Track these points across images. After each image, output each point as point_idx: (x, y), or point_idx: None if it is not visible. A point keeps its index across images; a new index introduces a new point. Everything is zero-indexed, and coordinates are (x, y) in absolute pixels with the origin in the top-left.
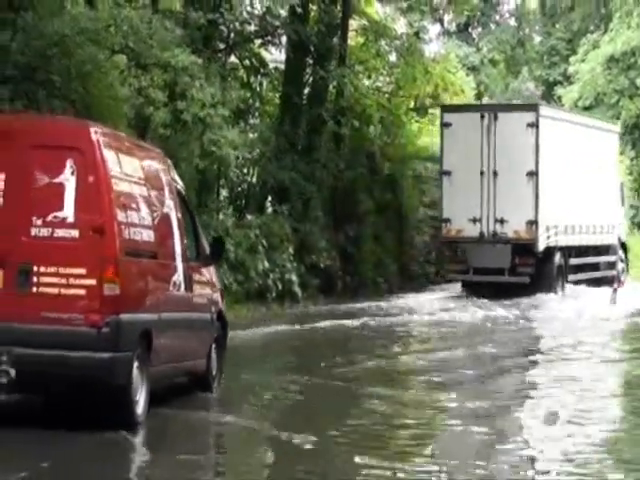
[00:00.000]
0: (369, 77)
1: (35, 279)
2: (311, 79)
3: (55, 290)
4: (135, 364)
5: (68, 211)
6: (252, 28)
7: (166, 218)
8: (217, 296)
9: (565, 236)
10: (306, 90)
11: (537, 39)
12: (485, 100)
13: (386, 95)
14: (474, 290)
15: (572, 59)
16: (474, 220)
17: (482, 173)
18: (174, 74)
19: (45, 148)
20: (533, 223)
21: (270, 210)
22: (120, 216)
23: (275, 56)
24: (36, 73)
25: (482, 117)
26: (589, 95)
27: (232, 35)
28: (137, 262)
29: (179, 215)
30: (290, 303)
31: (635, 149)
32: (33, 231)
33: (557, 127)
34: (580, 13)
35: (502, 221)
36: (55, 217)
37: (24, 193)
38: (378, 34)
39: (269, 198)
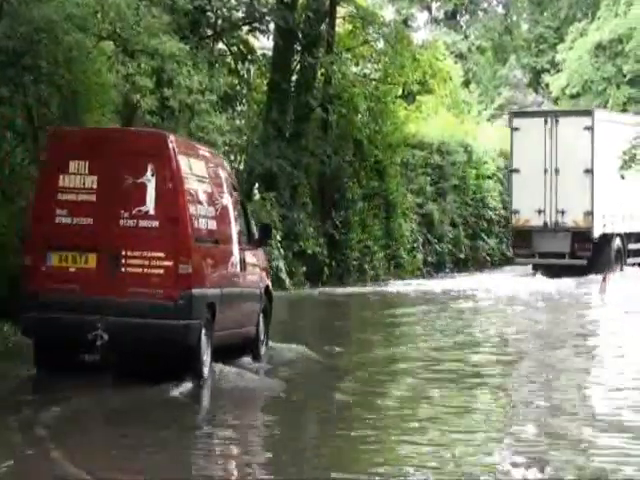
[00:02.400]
0: (357, 64)
1: (123, 261)
2: (299, 66)
3: (139, 270)
4: (203, 330)
5: (149, 206)
6: (240, 15)
7: (225, 210)
8: (264, 274)
9: (622, 224)
10: (294, 77)
11: (525, 27)
12: (545, 106)
13: (374, 82)
14: (543, 270)
15: (560, 47)
16: (539, 211)
17: (545, 170)
18: (161, 61)
19: (130, 155)
20: (589, 214)
21: (257, 197)
22: (190, 209)
23: (263, 43)
24: (22, 58)
25: (545, 122)
26: (576, 83)
27: (220, 22)
28: (204, 247)
29: (234, 207)
30: (276, 290)
31: None
32: (121, 222)
33: (610, 129)
34: (567, 1)
35: (563, 212)
36: (139, 211)
37: (114, 191)
38: (366, 21)
39: (256, 185)
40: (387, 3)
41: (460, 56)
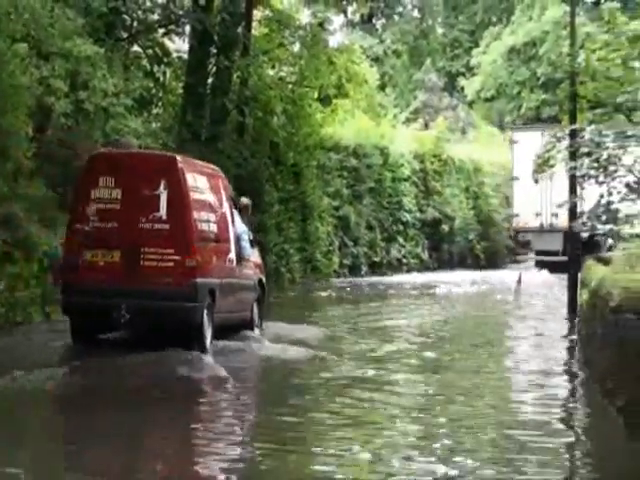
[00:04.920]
0: (273, 67)
1: (142, 256)
2: (215, 69)
3: (155, 263)
4: (205, 311)
5: (162, 212)
6: (155, 17)
7: (223, 215)
8: (258, 269)
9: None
10: (210, 80)
11: (440, 31)
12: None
13: (290, 85)
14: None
15: (474, 51)
16: (536, 214)
17: (542, 178)
18: (76, 63)
19: (147, 172)
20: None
21: None
22: (195, 215)
23: (179, 45)
24: None
25: (542, 135)
26: (491, 86)
27: (135, 24)
28: (206, 245)
29: (231, 212)
30: None
31: None
32: (140, 225)
33: None
34: (482, 5)
35: (556, 215)
36: (154, 216)
37: (134, 200)
38: (282, 24)
39: None
40: (303, 6)
41: (376, 59)
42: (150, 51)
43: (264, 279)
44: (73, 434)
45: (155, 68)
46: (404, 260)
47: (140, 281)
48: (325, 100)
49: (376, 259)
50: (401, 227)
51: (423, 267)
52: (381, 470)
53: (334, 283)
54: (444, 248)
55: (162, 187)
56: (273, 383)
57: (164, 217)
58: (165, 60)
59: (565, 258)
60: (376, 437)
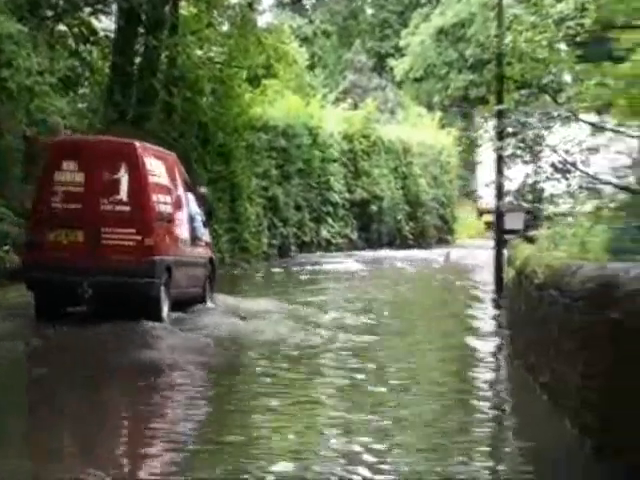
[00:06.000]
0: (201, 47)
1: (103, 236)
2: (143, 49)
3: (116, 242)
4: (162, 287)
5: (123, 195)
6: None
7: (179, 197)
8: (209, 248)
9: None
10: (137, 60)
11: (369, 11)
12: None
13: (219, 65)
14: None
15: (403, 32)
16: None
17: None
18: None
19: (109, 157)
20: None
21: None
22: (154, 197)
23: (106, 25)
24: None
25: None
26: (419, 67)
27: (60, 2)
28: (163, 225)
29: (185, 194)
30: None
31: (466, 120)
32: (102, 207)
33: None
34: None
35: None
36: (115, 198)
37: (96, 184)
38: (210, 4)
39: None
40: None
41: (305, 40)
42: (76, 30)
43: (214, 257)
44: (34, 409)
45: (81, 47)
46: (333, 240)
47: (102, 259)
48: (254, 80)
49: (305, 239)
50: (330, 207)
51: (352, 247)
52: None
53: (263, 267)
54: (373, 228)
55: (122, 171)
56: (223, 348)
57: (124, 199)
58: (91, 39)
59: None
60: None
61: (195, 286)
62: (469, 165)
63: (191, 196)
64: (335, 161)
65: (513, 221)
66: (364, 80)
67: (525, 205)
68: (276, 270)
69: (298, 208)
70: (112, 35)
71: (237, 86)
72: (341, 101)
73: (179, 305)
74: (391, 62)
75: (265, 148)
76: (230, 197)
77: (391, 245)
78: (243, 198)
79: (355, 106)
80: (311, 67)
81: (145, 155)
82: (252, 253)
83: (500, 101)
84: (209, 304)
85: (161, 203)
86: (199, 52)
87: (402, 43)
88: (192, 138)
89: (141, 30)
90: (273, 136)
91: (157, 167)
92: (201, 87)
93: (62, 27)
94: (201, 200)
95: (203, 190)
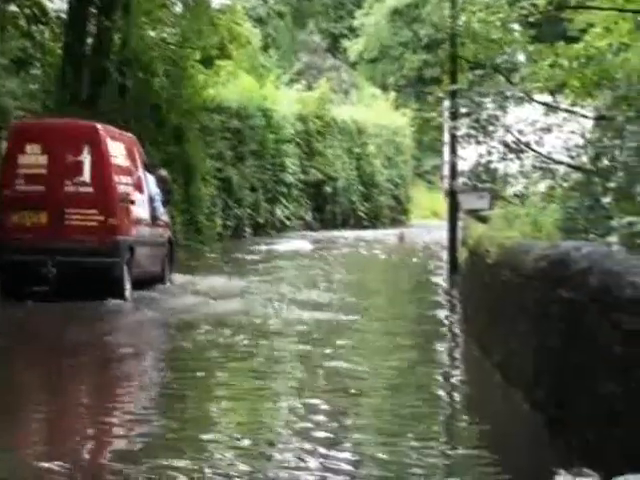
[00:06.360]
0: (155, 28)
1: (67, 216)
2: (95, 29)
3: (79, 223)
4: (125, 266)
5: (86, 176)
6: None
7: (139, 179)
8: (168, 228)
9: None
10: (90, 41)
11: None
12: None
13: (172, 47)
14: None
15: (358, 12)
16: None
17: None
18: None
19: (72, 139)
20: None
21: None
22: (116, 179)
23: (57, 5)
24: None
25: None
26: (374, 48)
27: None
28: (125, 206)
29: (145, 175)
30: None
31: (419, 101)
32: (65, 188)
33: None
34: None
35: None
36: (78, 180)
37: (59, 166)
38: None
39: None
40: None
41: (259, 21)
42: (27, 11)
43: (172, 238)
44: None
45: (33, 28)
46: (288, 221)
47: (66, 239)
48: (207, 61)
49: (260, 220)
50: (284, 188)
51: (306, 228)
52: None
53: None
54: (327, 209)
55: (85, 153)
56: (184, 325)
57: (87, 181)
58: (43, 20)
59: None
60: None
61: (155, 265)
62: (423, 146)
63: (150, 177)
64: (289, 142)
65: (476, 201)
66: (318, 61)
67: (479, 185)
68: (230, 251)
69: (252, 189)
70: (64, 16)
71: (190, 67)
72: (295, 82)
73: (139, 284)
74: (345, 43)
75: (219, 129)
76: (184, 179)
77: (345, 225)
78: (197, 179)
79: (309, 87)
80: (265, 48)
81: (107, 137)
82: (206, 234)
83: (454, 81)
84: (168, 283)
85: (123, 184)
86: (152, 33)
87: (356, 24)
88: (145, 119)
89: (93, 11)
90: (227, 117)
91: (118, 149)
92: (154, 68)
93: (13, 8)
94: (160, 181)
95: (163, 172)
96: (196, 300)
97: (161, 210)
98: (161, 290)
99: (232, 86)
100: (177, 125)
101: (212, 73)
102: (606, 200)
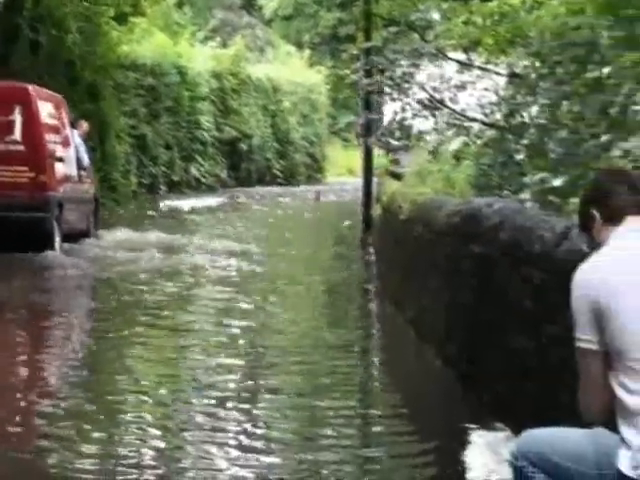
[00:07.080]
0: None
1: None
2: None
3: (11, 180)
4: (54, 221)
5: (17, 135)
6: None
7: (66, 138)
8: (93, 185)
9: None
10: None
11: None
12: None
13: (85, 3)
14: None
15: None
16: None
17: None
18: None
19: (4, 100)
20: None
21: None
22: (46, 137)
23: None
24: None
25: None
26: (288, 5)
27: None
28: (54, 163)
29: (72, 132)
30: None
31: (334, 59)
32: None
33: None
34: None
35: None
36: (10, 139)
37: None
38: None
39: None
40: None
41: None
42: None
43: (97, 194)
44: None
45: None
46: (203, 179)
47: None
48: (121, 18)
49: (175, 178)
50: (199, 146)
51: (222, 185)
52: None
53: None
54: (242, 166)
55: (16, 113)
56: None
57: (19, 139)
58: None
59: None
60: None
61: (82, 221)
62: (338, 104)
63: (75, 132)
64: (204, 99)
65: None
66: (233, 18)
67: (394, 142)
68: (146, 208)
69: (167, 147)
70: None
71: (104, 24)
72: (210, 39)
73: (67, 239)
74: (260, 0)
75: (133, 86)
76: (99, 136)
77: (261, 183)
78: (111, 137)
79: (224, 44)
80: (179, 5)
81: (37, 98)
82: (121, 192)
83: (368, 39)
84: (93, 239)
85: (52, 142)
86: None
87: None
88: (59, 76)
89: None
90: (141, 75)
91: (47, 108)
92: (67, 25)
93: None
94: (85, 136)
95: (85, 125)
96: (123, 255)
97: (87, 159)
98: (87, 244)
99: (146, 43)
100: (91, 82)
101: (126, 30)
102: (519, 157)
